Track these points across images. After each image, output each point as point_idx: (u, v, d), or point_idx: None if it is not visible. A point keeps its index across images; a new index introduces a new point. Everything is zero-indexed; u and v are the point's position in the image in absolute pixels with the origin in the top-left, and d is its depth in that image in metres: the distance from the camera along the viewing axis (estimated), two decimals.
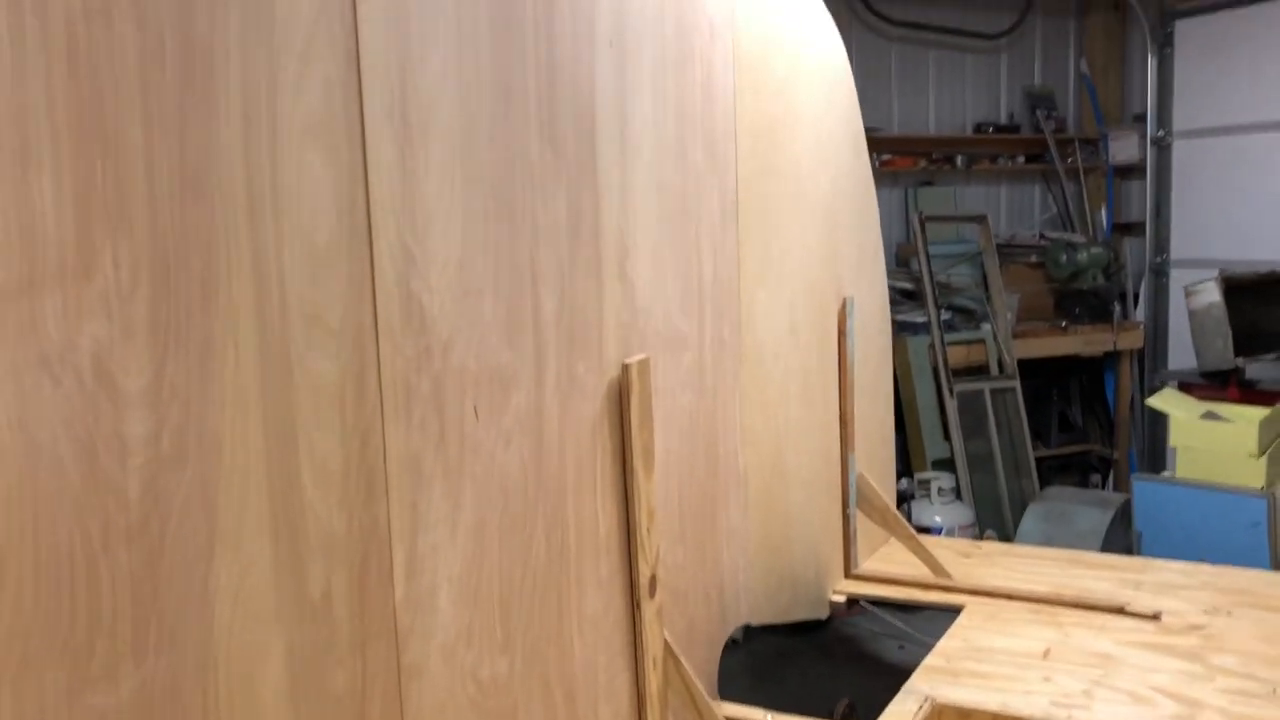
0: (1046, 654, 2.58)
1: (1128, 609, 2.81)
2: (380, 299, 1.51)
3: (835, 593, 3.04)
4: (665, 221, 2.26)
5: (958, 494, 4.99)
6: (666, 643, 2.15)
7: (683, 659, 2.16)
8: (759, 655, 3.39)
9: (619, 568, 2.07)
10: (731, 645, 3.47)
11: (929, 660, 2.59)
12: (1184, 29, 5.88)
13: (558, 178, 1.89)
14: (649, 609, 2.10)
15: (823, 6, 3.06)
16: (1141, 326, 5.95)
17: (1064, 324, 5.86)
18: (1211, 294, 4.42)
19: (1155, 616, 2.77)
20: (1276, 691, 2.34)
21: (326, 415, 1.43)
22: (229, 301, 1.29)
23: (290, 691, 1.38)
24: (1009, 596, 2.95)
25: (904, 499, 4.83)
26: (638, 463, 2.07)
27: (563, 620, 1.91)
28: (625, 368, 2.05)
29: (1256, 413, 3.98)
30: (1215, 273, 4.64)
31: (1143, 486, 4.21)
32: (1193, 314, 4.60)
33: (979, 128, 6.34)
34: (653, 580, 2.11)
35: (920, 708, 2.31)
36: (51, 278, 1.10)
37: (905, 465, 5.10)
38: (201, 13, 1.25)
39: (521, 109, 1.80)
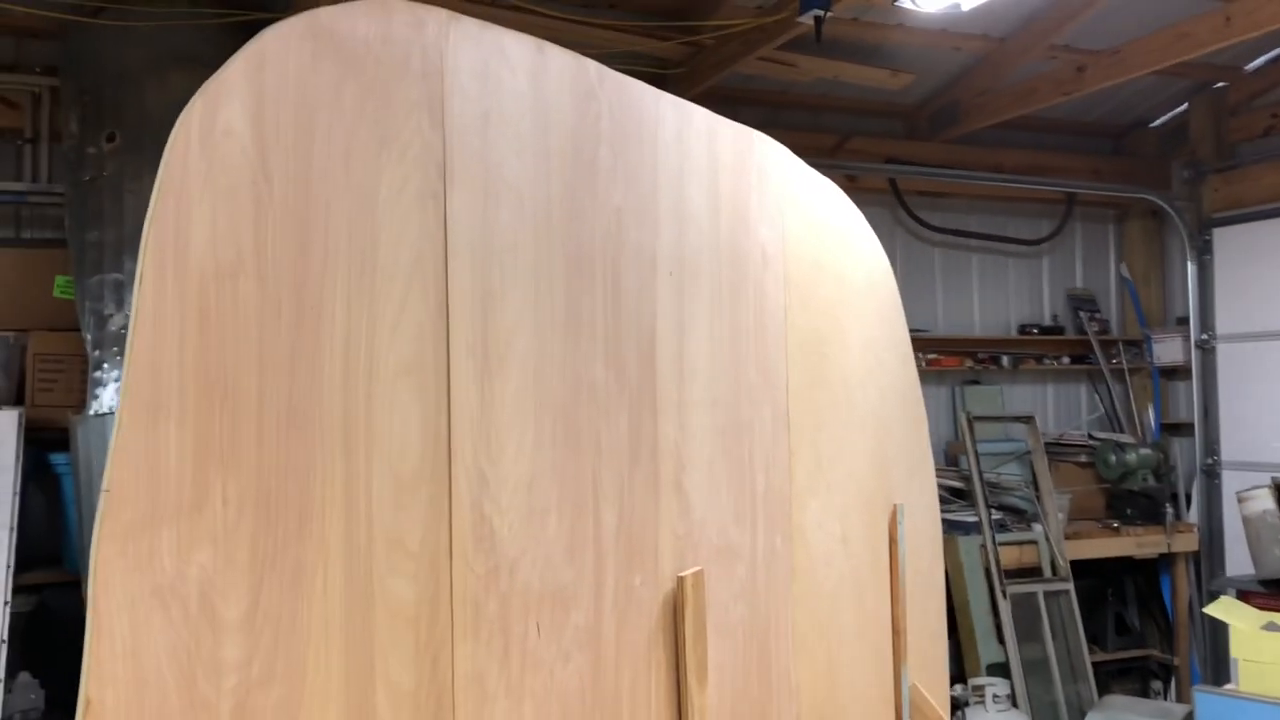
0: None
1: None
2: (455, 521, 1.61)
3: None
4: (719, 435, 2.36)
5: (1013, 701, 4.87)
6: None
7: None
8: None
9: None
10: None
11: None
12: (1222, 236, 6.04)
13: (620, 399, 2.01)
14: None
15: (867, 225, 3.24)
16: (1195, 529, 5.88)
17: (1116, 525, 5.81)
18: (1265, 501, 4.40)
19: None
20: None
21: (402, 636, 1.50)
22: (321, 529, 1.39)
23: None
24: None
25: (958, 706, 4.72)
26: (691, 676, 2.11)
27: None
28: (680, 580, 2.11)
29: None
30: (1269, 479, 4.63)
31: (1205, 699, 4.09)
32: (1247, 521, 4.56)
33: (1023, 329, 6.47)
34: None
35: None
36: (169, 514, 1.21)
37: (958, 670, 5.00)
38: (315, 266, 1.41)
39: (589, 337, 1.94)
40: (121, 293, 3.52)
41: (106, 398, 3.50)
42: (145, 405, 1.20)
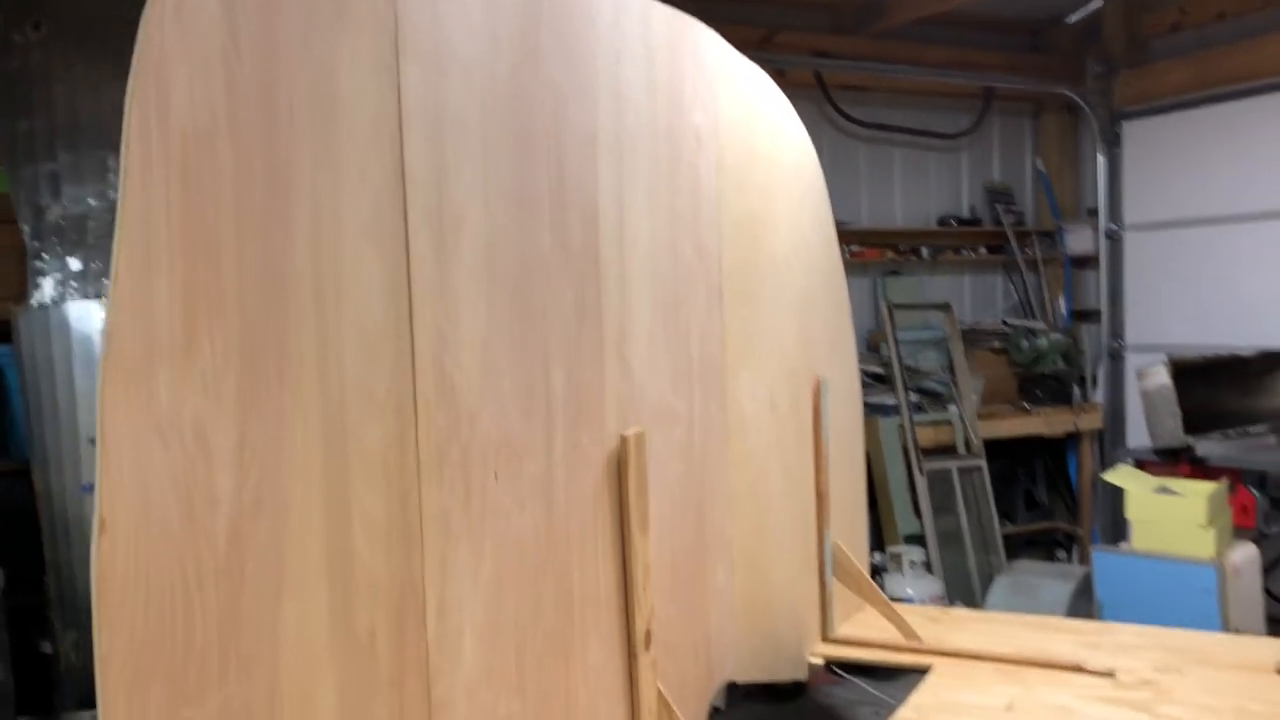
0: (1010, 708, 2.78)
1: (1085, 667, 3.02)
2: (419, 376, 1.74)
3: (813, 655, 3.23)
4: (658, 307, 2.51)
5: (928, 567, 5.20)
6: (661, 693, 2.34)
7: (675, 709, 2.35)
8: None
9: (618, 622, 2.27)
10: (714, 713, 3.65)
11: (901, 712, 2.78)
12: (1131, 129, 6.28)
13: (566, 269, 2.14)
14: (644, 660, 2.30)
15: (796, 117, 3.37)
16: (1100, 408, 6.24)
17: (1027, 406, 6.15)
18: (1161, 376, 4.71)
19: (1110, 674, 2.98)
20: None
21: (374, 477, 1.64)
22: (298, 376, 1.52)
23: (339, 719, 1.57)
24: (975, 657, 3.16)
25: (876, 572, 5.02)
26: (635, 526, 2.29)
27: (569, 667, 2.10)
28: (624, 439, 2.28)
29: (1205, 487, 4.22)
30: (1165, 356, 4.94)
31: (1102, 558, 4.43)
32: (1145, 395, 4.88)
33: (942, 221, 6.70)
34: (648, 634, 2.32)
35: None
36: (164, 357, 1.33)
37: (878, 540, 5.30)
38: (282, 133, 1.51)
39: (536, 210, 2.06)
40: (58, 184, 3.53)
41: (49, 288, 3.52)
42: (138, 257, 1.30)
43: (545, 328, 2.08)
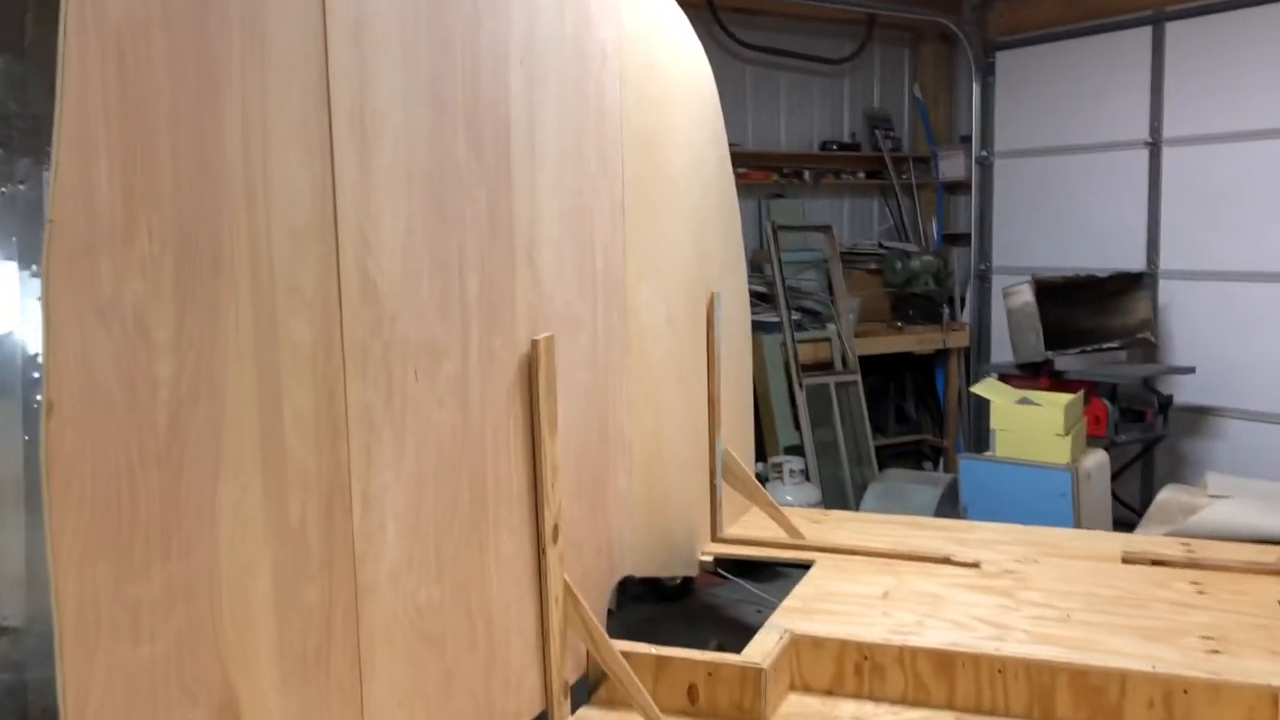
0: (885, 595, 3.01)
1: (953, 559, 3.27)
2: (343, 275, 1.79)
3: (704, 553, 3.40)
4: (565, 218, 2.59)
5: (806, 476, 5.46)
6: (567, 584, 2.47)
7: (580, 599, 2.48)
8: (631, 624, 3.73)
9: (528, 517, 2.38)
10: (606, 615, 3.80)
11: (787, 603, 2.98)
12: (1004, 60, 6.55)
13: (480, 177, 2.20)
14: (553, 554, 2.42)
15: (693, 33, 3.45)
16: (967, 327, 6.58)
17: (899, 325, 6.45)
18: (1025, 295, 5.01)
19: (975, 564, 3.24)
20: (1070, 616, 2.82)
21: (303, 371, 1.70)
22: (231, 270, 1.56)
23: (275, 602, 1.64)
24: (854, 552, 3.39)
25: (759, 480, 5.25)
26: (544, 427, 2.39)
27: (483, 559, 2.21)
28: (534, 344, 2.37)
29: (1062, 398, 4.55)
30: (1029, 277, 5.25)
31: (968, 464, 4.74)
32: (1010, 313, 5.19)
33: (824, 145, 6.89)
34: (555, 529, 2.43)
35: (780, 638, 2.69)
36: (105, 243, 1.36)
37: (760, 451, 5.54)
38: (214, 30, 1.53)
39: (452, 118, 2.10)
40: None
41: None
42: (78, 147, 1.32)
43: (461, 234, 2.14)
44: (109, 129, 1.36)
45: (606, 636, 2.52)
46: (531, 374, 2.37)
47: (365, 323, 1.85)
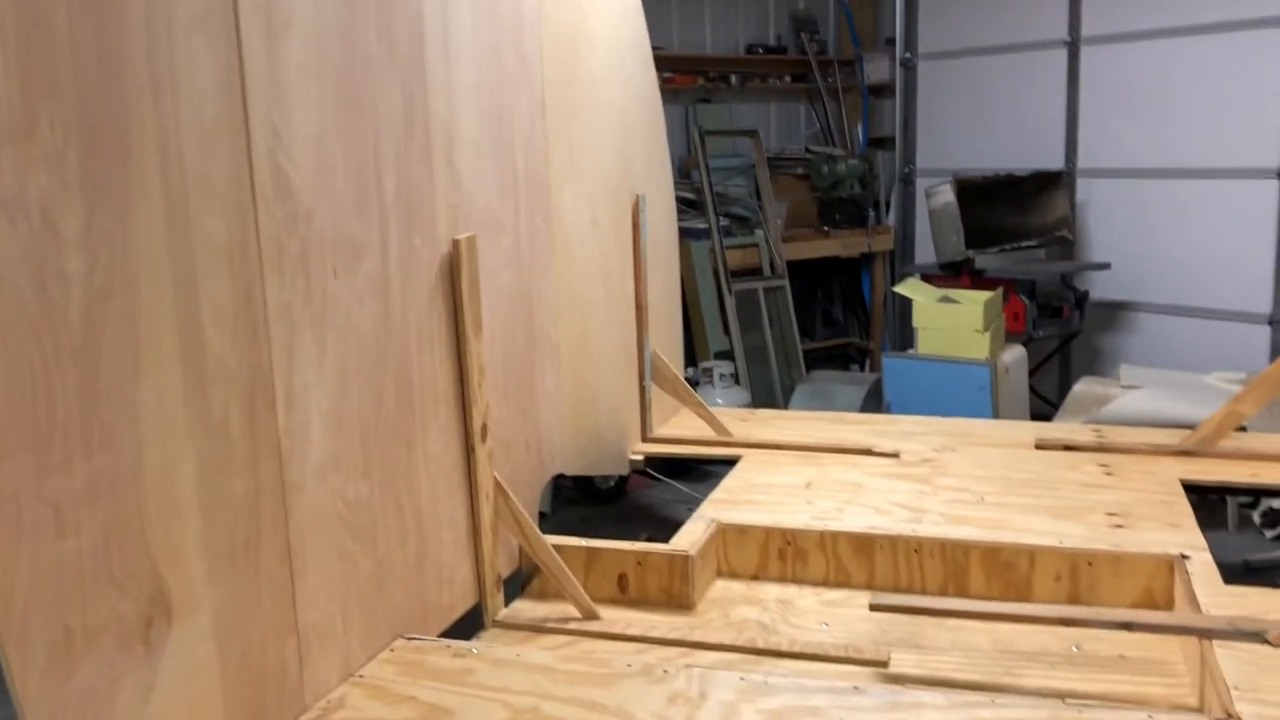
0: (809, 485, 3.10)
1: (874, 450, 3.37)
2: (256, 169, 1.77)
3: (634, 452, 3.46)
4: (484, 118, 2.57)
5: (736, 380, 5.55)
6: (497, 481, 2.51)
7: (511, 495, 2.53)
8: (566, 524, 3.81)
9: (455, 416, 2.40)
10: (540, 517, 3.86)
11: (714, 495, 3.06)
12: None
13: (393, 72, 2.17)
14: (481, 452, 2.46)
15: None
16: (892, 230, 6.67)
17: (826, 229, 6.51)
18: (947, 195, 5.08)
19: (895, 455, 3.34)
20: (983, 499, 2.94)
21: (219, 267, 1.69)
22: (140, 165, 1.54)
23: (201, 496, 1.66)
24: (779, 447, 3.47)
25: (690, 384, 5.32)
26: (468, 327, 2.40)
27: (411, 456, 2.24)
28: (455, 243, 2.37)
29: (982, 296, 4.66)
30: (951, 178, 5.32)
31: (891, 363, 4.86)
32: (932, 213, 5.26)
33: (750, 49, 6.85)
34: (484, 428, 2.46)
35: (707, 528, 2.77)
36: (4, 137, 1.33)
37: (690, 356, 5.60)
38: None
39: (363, 12, 2.07)
40: None
41: None
42: None
43: (375, 130, 2.12)
44: (2, 19, 1.32)
45: (538, 531, 2.57)
46: (454, 274, 2.38)
47: (280, 219, 1.83)
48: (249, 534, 1.76)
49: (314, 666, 1.91)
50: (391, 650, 2.13)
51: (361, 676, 2.02)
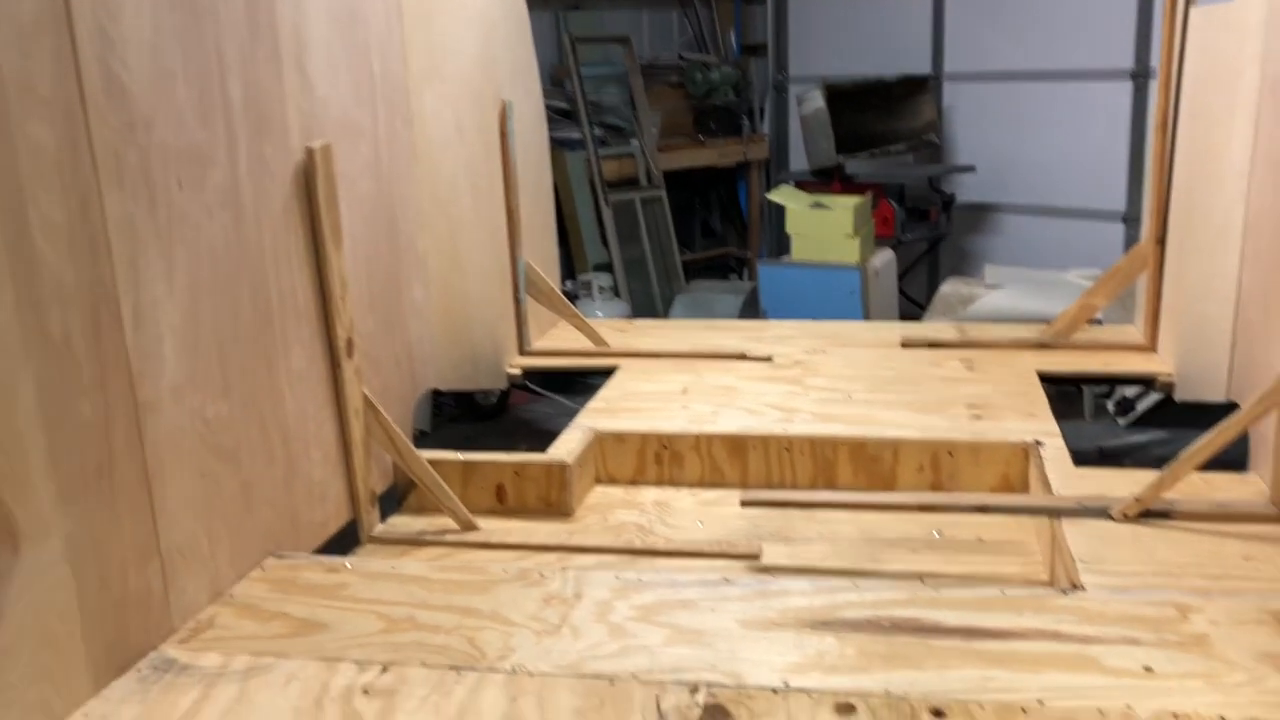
0: (684, 391, 3.14)
1: (748, 355, 3.43)
2: (84, 75, 1.67)
3: (511, 366, 3.44)
4: (335, 21, 2.46)
5: (616, 293, 5.56)
6: (366, 397, 2.47)
7: (382, 411, 2.49)
8: (447, 442, 3.77)
9: (318, 331, 2.35)
10: (420, 435, 3.83)
11: (591, 404, 3.08)
12: None
13: None
14: (348, 368, 2.41)
15: None
16: (766, 138, 6.70)
17: (701, 138, 6.50)
18: (817, 101, 5.12)
19: (768, 358, 3.40)
20: (851, 397, 3.02)
21: (48, 178, 1.60)
22: None
23: (44, 418, 1.59)
24: (656, 356, 3.50)
25: (568, 298, 5.31)
26: (327, 238, 2.34)
27: (273, 373, 2.18)
28: (309, 151, 2.29)
29: (851, 201, 4.74)
30: (821, 83, 5.35)
31: (766, 271, 4.93)
32: (803, 120, 5.30)
33: None
34: (349, 343, 2.41)
35: (584, 436, 2.79)
36: None
37: (569, 269, 5.59)
38: None
39: None
40: None
41: None
42: None
43: (217, 34, 2.01)
44: None
45: (411, 446, 2.55)
46: (309, 183, 2.30)
47: (115, 127, 1.74)
48: (101, 457, 1.70)
49: (180, 588, 1.87)
50: (263, 569, 2.10)
51: (232, 596, 1.99)
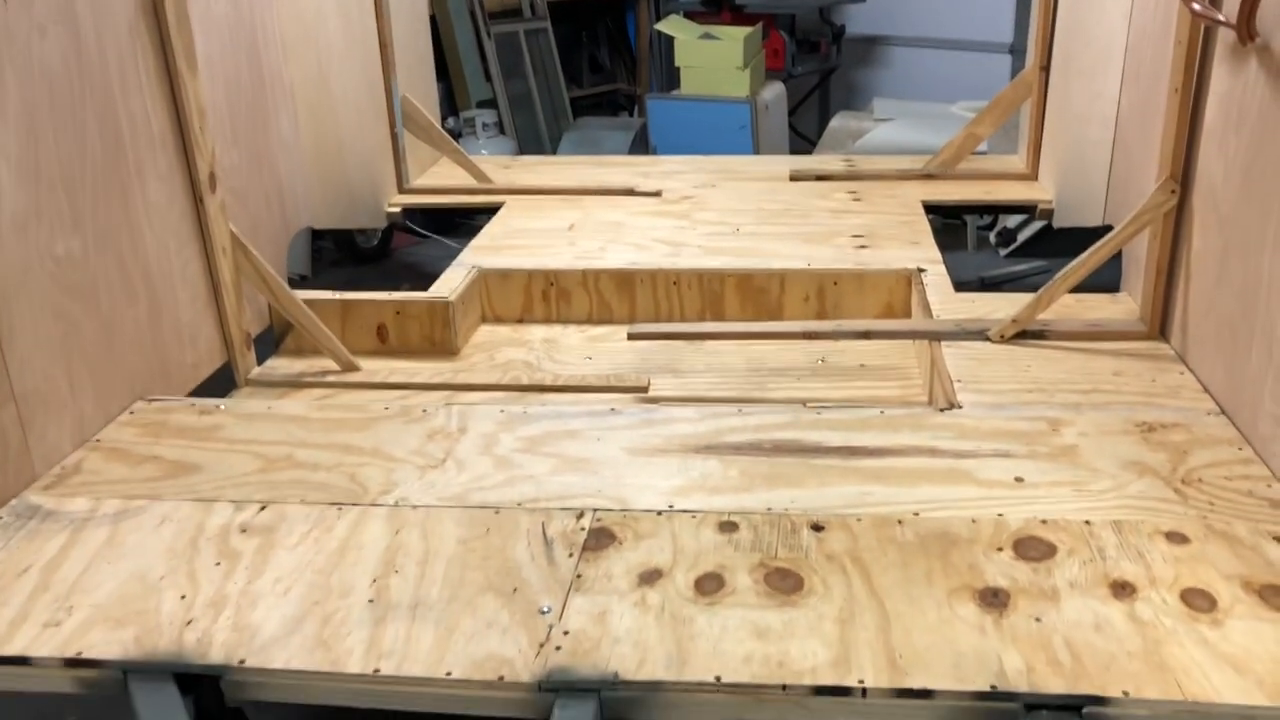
0: (572, 228, 3.07)
1: (636, 190, 3.36)
2: None
3: (390, 204, 3.32)
4: None
5: (501, 129, 5.38)
6: (234, 235, 2.35)
7: (252, 250, 2.38)
8: (328, 285, 3.65)
9: (177, 163, 2.20)
10: (301, 280, 3.71)
11: (475, 242, 2.99)
12: None
13: None
14: (212, 203, 2.28)
15: None
16: None
17: None
18: None
19: (657, 194, 3.34)
20: (739, 230, 3.00)
21: None
22: None
23: None
24: (542, 192, 3.41)
25: (452, 136, 5.12)
26: (181, 63, 2.17)
27: (129, 208, 2.05)
28: None
29: (742, 31, 4.62)
30: None
31: (655, 105, 4.81)
32: None
33: None
34: (212, 176, 2.28)
35: (468, 273, 2.72)
36: None
37: (451, 105, 5.37)
38: None
39: None
40: None
41: None
42: None
43: None
44: None
45: (286, 286, 2.45)
46: (156, 2, 2.12)
47: None
48: None
49: (40, 433, 1.79)
50: (131, 413, 2.02)
51: (99, 440, 1.91)
